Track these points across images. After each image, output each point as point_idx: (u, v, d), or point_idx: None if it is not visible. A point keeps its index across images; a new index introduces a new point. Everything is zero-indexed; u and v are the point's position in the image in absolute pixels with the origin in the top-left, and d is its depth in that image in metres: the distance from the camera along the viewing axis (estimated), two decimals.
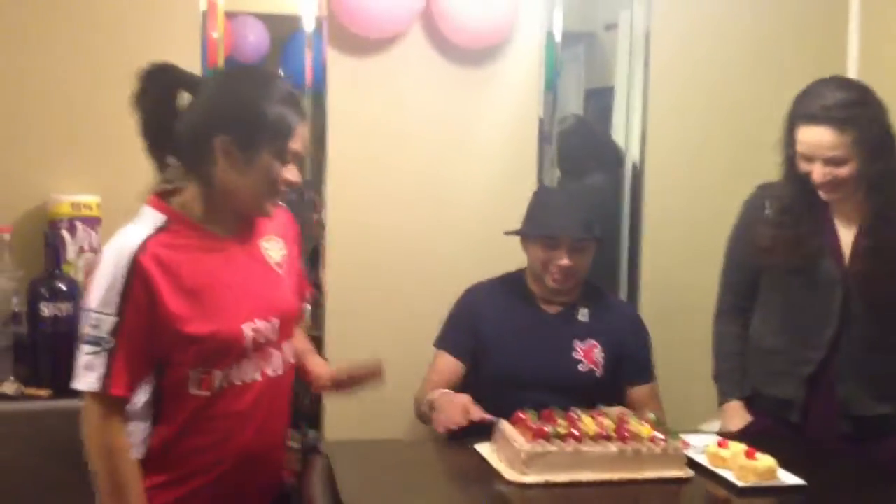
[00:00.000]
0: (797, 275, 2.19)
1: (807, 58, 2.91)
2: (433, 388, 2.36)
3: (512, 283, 2.54)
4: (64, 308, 2.23)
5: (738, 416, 2.32)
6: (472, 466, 1.93)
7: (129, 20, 2.62)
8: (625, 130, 3.11)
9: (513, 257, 2.60)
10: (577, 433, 1.91)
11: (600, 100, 3.19)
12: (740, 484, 1.86)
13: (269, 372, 1.81)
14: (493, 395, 2.22)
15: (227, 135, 1.70)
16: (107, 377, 1.65)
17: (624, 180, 3.09)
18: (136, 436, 1.73)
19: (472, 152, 2.90)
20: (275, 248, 1.87)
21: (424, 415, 2.34)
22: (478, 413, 2.14)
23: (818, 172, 2.09)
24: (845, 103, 2.08)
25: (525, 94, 2.93)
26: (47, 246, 2.32)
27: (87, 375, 1.66)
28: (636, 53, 3.05)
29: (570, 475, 1.86)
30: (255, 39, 3.22)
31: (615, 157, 3.13)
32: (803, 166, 2.13)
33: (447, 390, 2.33)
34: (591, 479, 1.86)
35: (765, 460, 1.89)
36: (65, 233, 2.42)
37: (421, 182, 2.86)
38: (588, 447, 1.89)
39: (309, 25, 2.90)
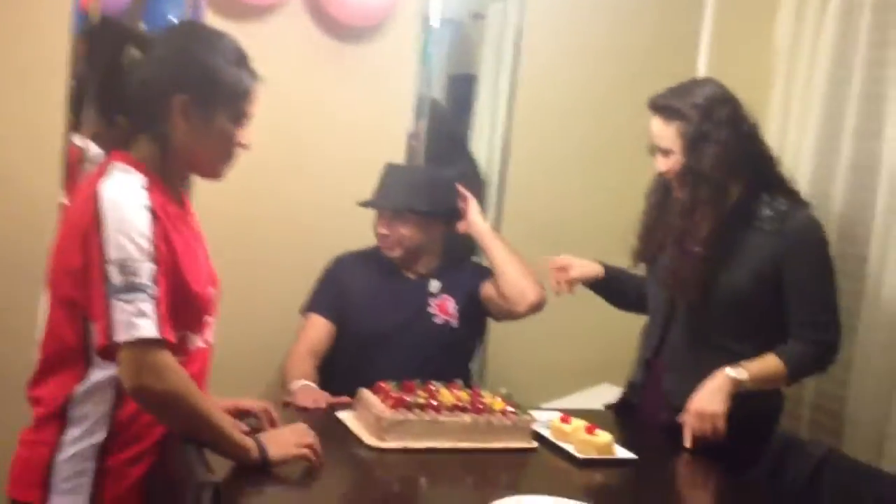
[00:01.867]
0: (650, 265, 2.36)
1: (662, 58, 3.10)
2: (301, 356, 2.44)
3: (376, 253, 2.68)
4: None
5: None
6: (332, 431, 1.99)
7: None
8: (490, 119, 3.22)
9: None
10: (434, 403, 2.02)
11: (462, 86, 3.28)
12: (580, 456, 2.01)
13: (209, 339, 1.84)
14: (359, 356, 2.35)
15: (186, 94, 1.69)
16: (159, 323, 1.60)
17: (490, 167, 3.21)
18: (97, 412, 1.69)
19: (342, 128, 2.94)
20: (195, 222, 1.87)
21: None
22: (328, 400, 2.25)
23: (658, 162, 2.22)
24: (673, 94, 2.18)
25: (399, 74, 3.00)
26: None
27: (141, 322, 1.58)
28: (506, 44, 3.17)
29: (427, 442, 1.96)
30: None
31: (461, 145, 3.25)
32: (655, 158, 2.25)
33: (308, 384, 2.39)
34: (445, 447, 1.97)
35: (603, 436, 2.05)
36: None
37: (288, 153, 2.88)
38: (444, 417, 2.00)
39: None
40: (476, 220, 2.66)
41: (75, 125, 2.64)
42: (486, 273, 2.67)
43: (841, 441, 2.59)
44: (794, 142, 2.82)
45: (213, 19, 2.72)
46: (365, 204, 2.65)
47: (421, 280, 2.67)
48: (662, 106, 2.18)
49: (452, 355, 2.59)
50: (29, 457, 1.74)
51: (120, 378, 1.64)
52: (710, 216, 2.15)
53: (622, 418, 2.37)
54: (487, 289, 2.65)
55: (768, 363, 2.13)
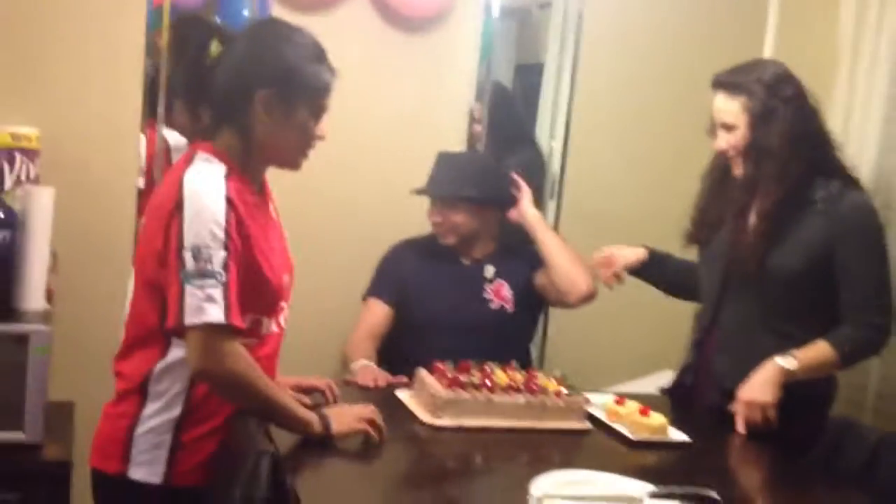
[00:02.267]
0: (704, 247, 2.37)
1: (727, 43, 3.08)
2: (361, 338, 2.55)
3: (433, 240, 2.75)
4: (1, 235, 2.25)
5: None
6: (391, 409, 2.06)
7: None
8: (552, 108, 3.25)
9: None
10: (489, 383, 2.07)
11: (530, 76, 3.30)
12: (633, 437, 2.04)
13: (282, 323, 1.93)
14: (418, 340, 2.42)
15: (268, 89, 1.77)
16: (228, 309, 1.68)
17: (551, 156, 3.24)
18: (174, 389, 1.79)
19: (406, 117, 3.00)
20: (273, 209, 1.96)
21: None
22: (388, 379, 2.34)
23: (719, 140, 2.23)
24: (739, 70, 2.20)
25: (461, 64, 3.05)
26: None
27: (210, 308, 1.66)
28: (568, 33, 3.19)
29: (481, 421, 2.02)
30: None
31: (526, 133, 3.28)
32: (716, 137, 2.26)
33: (368, 363, 2.47)
34: (499, 426, 2.02)
35: (657, 418, 2.08)
36: (3, 163, 2.45)
37: (353, 143, 2.95)
38: (498, 397, 2.05)
39: None
40: (528, 210, 2.71)
41: (160, 116, 2.76)
42: (541, 261, 2.71)
43: None
44: (859, 126, 2.79)
45: (280, 12, 2.81)
46: (417, 191, 2.71)
47: (476, 265, 2.73)
48: (727, 82, 2.20)
49: (509, 339, 2.64)
50: (110, 429, 1.85)
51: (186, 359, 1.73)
52: (772, 192, 2.17)
53: (676, 401, 2.39)
54: (540, 277, 2.70)
55: (819, 350, 2.14)
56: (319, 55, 1.85)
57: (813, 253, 2.16)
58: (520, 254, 2.78)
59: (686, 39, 3.18)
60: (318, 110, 1.85)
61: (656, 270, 2.48)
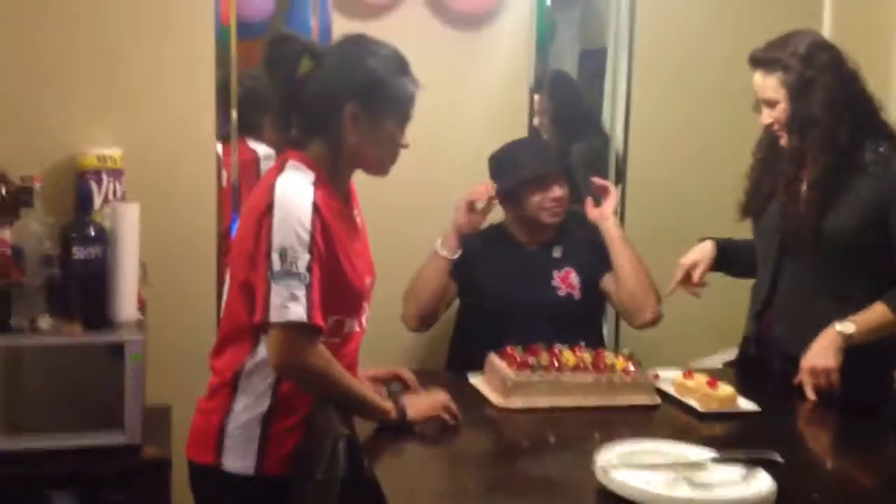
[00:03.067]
0: (757, 219, 2.39)
1: (782, 16, 3.05)
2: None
3: (495, 231, 2.79)
4: (93, 252, 2.39)
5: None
6: (463, 394, 2.14)
7: None
8: (612, 94, 3.28)
9: (499, 210, 2.83)
10: (557, 364, 2.14)
11: (594, 61, 3.31)
12: (702, 409, 2.08)
13: (364, 323, 2.03)
14: (489, 331, 2.46)
15: (357, 102, 1.88)
16: (310, 308, 1.77)
17: (611, 142, 3.27)
18: (263, 384, 1.89)
19: (467, 113, 3.05)
20: (359, 215, 2.07)
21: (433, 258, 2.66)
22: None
23: (763, 116, 2.26)
24: (773, 46, 2.23)
25: (517, 55, 3.09)
26: (78, 194, 2.52)
27: (293, 307, 1.76)
28: (623, 16, 3.22)
29: (551, 401, 2.09)
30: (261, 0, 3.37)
31: (593, 118, 3.30)
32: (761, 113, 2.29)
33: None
34: (570, 405, 2.09)
35: (725, 389, 2.12)
36: (92, 183, 2.61)
37: (418, 141, 3.03)
38: (567, 377, 2.12)
39: None
40: (609, 219, 2.70)
41: (249, 128, 2.91)
42: (605, 255, 2.72)
43: None
44: None
45: (339, 20, 2.93)
46: (532, 174, 2.67)
47: (543, 249, 2.75)
48: (762, 59, 2.23)
49: (579, 324, 2.65)
50: (204, 423, 1.97)
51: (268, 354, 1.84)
52: (821, 160, 2.18)
53: (742, 373, 2.42)
54: (608, 283, 2.70)
55: (877, 312, 2.14)
56: (403, 67, 1.95)
57: (866, 215, 2.17)
58: (589, 242, 2.78)
59: (741, 16, 3.17)
60: (403, 120, 1.95)
61: (731, 261, 2.48)
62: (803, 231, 2.21)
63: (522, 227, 2.75)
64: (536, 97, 3.14)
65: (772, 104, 2.23)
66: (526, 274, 2.71)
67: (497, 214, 2.83)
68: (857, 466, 1.85)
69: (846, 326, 2.13)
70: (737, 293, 2.73)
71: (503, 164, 2.77)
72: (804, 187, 2.22)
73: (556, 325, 2.51)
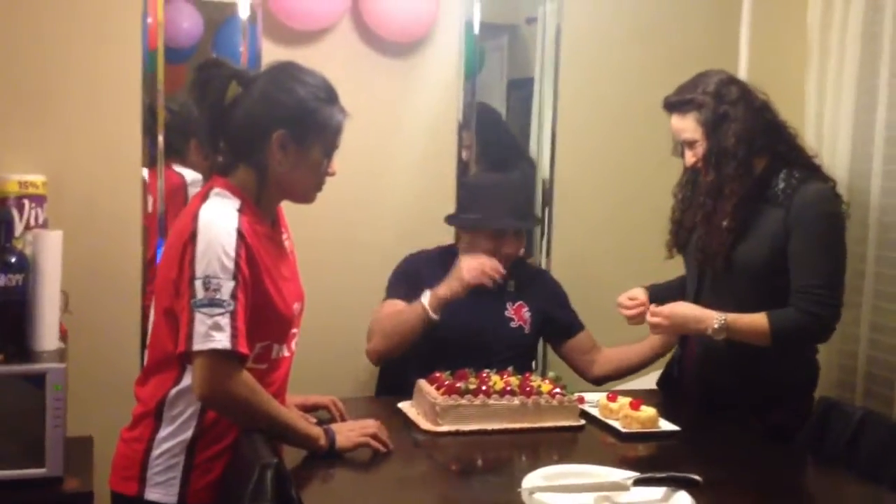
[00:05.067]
0: (682, 251, 2.47)
1: (702, 55, 3.16)
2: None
3: (447, 256, 2.76)
4: (14, 279, 2.34)
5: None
6: (392, 420, 2.16)
7: (76, 4, 2.75)
8: (538, 122, 3.35)
9: (433, 235, 2.85)
10: (485, 388, 2.17)
11: (522, 90, 3.37)
12: (625, 430, 2.13)
13: (293, 348, 2.02)
14: (439, 357, 2.44)
15: (285, 129, 1.88)
16: (234, 336, 1.76)
17: (537, 171, 3.32)
18: (187, 412, 1.88)
19: (396, 139, 3.09)
20: (288, 240, 2.07)
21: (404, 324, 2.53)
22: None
23: (686, 157, 2.35)
24: (684, 89, 2.31)
25: (446, 84, 3.13)
26: None
27: (217, 335, 1.75)
28: (549, 46, 3.29)
29: (479, 424, 2.11)
30: (189, 25, 3.36)
31: (518, 149, 3.35)
32: (682, 156, 2.37)
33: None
34: (497, 428, 2.12)
35: (647, 411, 2.17)
36: (13, 210, 2.56)
37: (348, 168, 3.04)
38: (494, 400, 2.15)
39: (244, 13, 3.01)
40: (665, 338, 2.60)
41: (177, 153, 2.89)
42: (565, 303, 2.77)
43: (894, 408, 2.63)
44: (831, 118, 2.88)
45: (268, 47, 2.94)
46: (495, 226, 2.65)
47: (497, 283, 2.67)
48: (675, 102, 2.31)
49: (521, 356, 2.65)
50: (127, 452, 1.95)
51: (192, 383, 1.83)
52: (737, 192, 2.25)
53: (666, 392, 2.48)
54: (576, 342, 2.74)
55: (754, 320, 2.21)
56: (332, 96, 1.96)
57: (774, 244, 2.23)
58: (540, 279, 2.82)
59: (661, 47, 3.27)
60: (330, 149, 1.96)
61: (661, 298, 2.49)
62: (717, 261, 2.28)
63: None
64: (465, 134, 3.18)
65: (691, 144, 2.30)
66: (481, 304, 2.65)
67: (433, 238, 2.86)
68: (773, 487, 1.91)
69: (721, 318, 2.20)
70: None
71: (475, 195, 2.75)
72: (721, 219, 2.28)
73: (504, 355, 2.52)
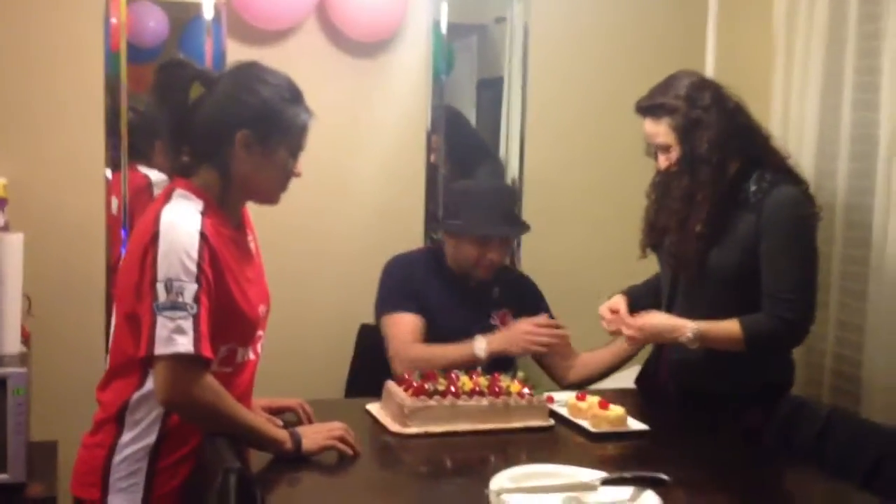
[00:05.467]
0: (658, 250, 2.45)
1: (669, 55, 3.18)
2: (409, 341, 2.56)
3: (432, 259, 2.75)
4: None
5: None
6: (360, 422, 2.13)
7: (35, 5, 2.72)
8: (507, 122, 3.34)
9: (401, 237, 2.84)
10: (454, 389, 2.15)
11: (491, 90, 3.36)
12: (593, 430, 2.13)
13: (258, 350, 1.99)
14: None
15: (249, 130, 1.85)
16: (197, 340, 1.73)
17: (506, 170, 3.32)
18: (150, 417, 1.85)
19: (364, 140, 3.08)
20: (253, 241, 2.04)
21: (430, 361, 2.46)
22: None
23: (659, 160, 2.34)
24: (656, 93, 2.29)
25: (414, 83, 3.13)
26: None
27: (180, 339, 1.72)
28: (517, 46, 3.29)
29: (448, 426, 2.10)
30: (155, 25, 3.33)
31: (484, 148, 3.35)
32: (655, 158, 2.37)
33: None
34: (466, 429, 2.10)
35: (615, 410, 2.16)
36: None
37: (315, 168, 2.99)
38: (463, 401, 2.13)
39: (208, 13, 2.99)
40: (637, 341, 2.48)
41: (141, 154, 2.86)
42: (547, 310, 2.75)
43: (860, 405, 2.65)
44: (797, 118, 2.90)
45: (233, 47, 2.91)
46: (483, 232, 2.63)
47: (483, 287, 2.72)
48: (648, 106, 2.29)
49: (505, 363, 2.61)
50: (89, 458, 1.91)
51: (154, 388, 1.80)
52: (710, 197, 2.23)
53: (643, 390, 2.49)
54: (551, 355, 2.69)
55: (727, 327, 2.21)
56: (296, 96, 1.93)
57: (745, 248, 2.23)
58: (522, 284, 2.82)
59: (628, 47, 3.28)
60: (295, 149, 1.93)
61: (639, 301, 2.51)
62: (690, 267, 2.28)
63: (458, 262, 2.72)
64: (434, 137, 3.17)
65: (665, 149, 2.29)
66: (467, 307, 2.66)
67: (402, 239, 2.84)
68: (742, 485, 1.91)
69: (694, 326, 2.21)
70: None
71: (464, 199, 2.72)
72: (694, 224, 2.27)
73: (493, 362, 2.51)
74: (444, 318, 2.63)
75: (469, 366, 2.37)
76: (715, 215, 2.24)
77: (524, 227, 2.74)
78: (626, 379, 2.76)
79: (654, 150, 2.35)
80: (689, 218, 2.28)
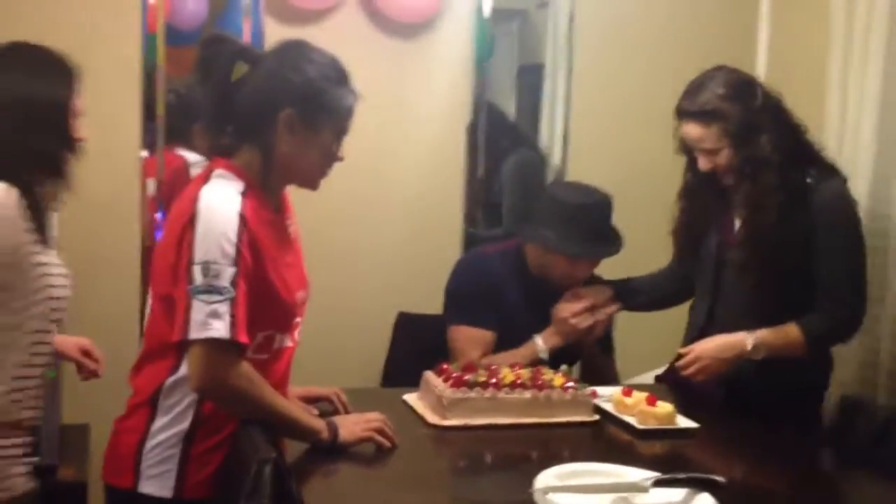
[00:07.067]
0: (694, 253, 2.38)
1: (719, 46, 3.08)
2: (477, 359, 2.44)
3: (513, 259, 2.62)
4: None
5: None
6: (398, 413, 2.07)
7: None
8: (550, 108, 3.26)
9: (440, 226, 2.77)
10: (495, 381, 2.08)
11: (532, 76, 3.32)
12: (640, 427, 2.05)
13: (296, 337, 1.94)
14: None
15: (293, 109, 1.79)
16: (233, 325, 1.68)
17: (549, 158, 3.24)
18: (184, 402, 1.80)
19: (403, 123, 3.03)
20: (293, 226, 1.98)
21: None
22: None
23: (701, 162, 2.25)
24: (708, 98, 2.19)
25: (456, 68, 3.08)
26: None
27: (215, 323, 1.67)
28: (560, 33, 3.21)
29: (488, 418, 2.03)
30: (194, 6, 3.30)
31: (524, 137, 3.30)
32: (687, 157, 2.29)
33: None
34: (506, 423, 2.03)
35: (664, 407, 2.08)
36: None
37: (353, 153, 2.96)
38: (504, 394, 2.06)
39: None
40: None
41: (178, 136, 2.83)
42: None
43: None
44: (854, 119, 2.76)
45: (272, 26, 2.86)
46: (590, 256, 2.56)
47: (561, 290, 2.59)
48: (695, 112, 2.20)
49: (567, 354, 2.52)
50: (120, 444, 1.87)
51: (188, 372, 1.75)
52: (776, 203, 2.16)
53: (672, 387, 2.40)
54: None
55: (787, 333, 2.17)
56: (343, 78, 1.87)
57: (795, 244, 2.17)
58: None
59: (677, 36, 3.20)
60: (340, 132, 1.87)
61: (633, 302, 2.54)
62: (758, 273, 2.21)
63: (542, 270, 2.59)
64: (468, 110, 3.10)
65: (713, 152, 2.21)
66: (544, 311, 2.55)
67: (443, 226, 2.78)
68: (800, 487, 1.83)
69: (755, 338, 2.16)
70: (669, 317, 2.72)
71: (558, 210, 2.55)
72: (763, 232, 2.20)
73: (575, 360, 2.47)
74: (521, 318, 2.54)
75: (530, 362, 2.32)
76: (783, 221, 2.18)
77: (617, 246, 2.58)
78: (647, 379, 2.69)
79: (686, 148, 2.27)
80: (754, 224, 2.21)
